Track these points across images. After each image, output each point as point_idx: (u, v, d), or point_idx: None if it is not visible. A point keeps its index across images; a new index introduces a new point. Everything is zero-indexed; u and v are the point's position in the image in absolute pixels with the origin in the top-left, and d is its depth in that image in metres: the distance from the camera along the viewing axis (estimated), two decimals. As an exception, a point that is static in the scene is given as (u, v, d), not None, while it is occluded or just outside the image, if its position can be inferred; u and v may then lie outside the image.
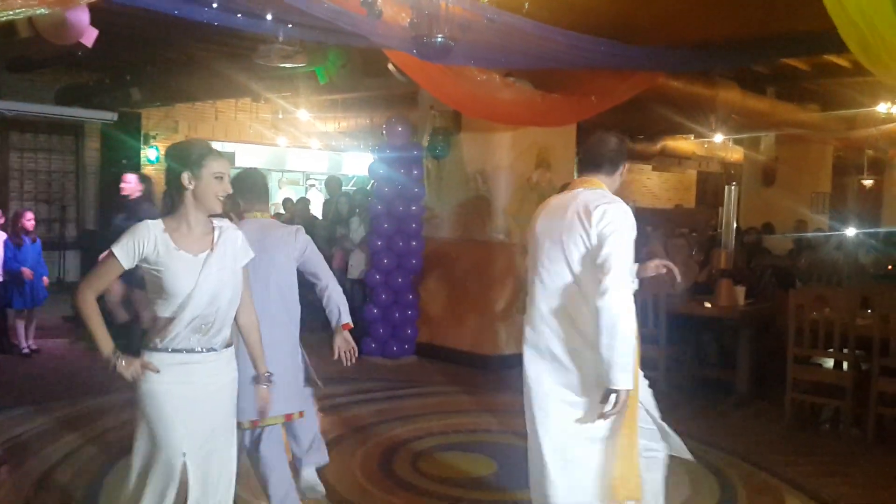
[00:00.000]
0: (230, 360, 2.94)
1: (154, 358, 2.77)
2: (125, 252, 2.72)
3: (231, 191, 2.85)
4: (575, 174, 13.49)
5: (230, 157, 14.66)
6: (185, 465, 2.78)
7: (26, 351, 7.65)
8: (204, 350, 2.82)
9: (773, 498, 4.65)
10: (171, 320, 2.75)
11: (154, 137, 13.32)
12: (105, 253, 2.80)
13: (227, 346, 2.91)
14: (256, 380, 3.10)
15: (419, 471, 4.85)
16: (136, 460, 2.82)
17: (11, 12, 4.65)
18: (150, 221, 2.78)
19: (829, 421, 6.20)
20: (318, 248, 4.13)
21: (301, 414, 3.96)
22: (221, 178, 2.82)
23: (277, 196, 15.86)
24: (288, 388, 3.69)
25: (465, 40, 4.83)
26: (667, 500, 3.46)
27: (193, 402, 2.80)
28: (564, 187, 4.38)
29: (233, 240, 2.90)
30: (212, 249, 2.82)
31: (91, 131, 12.52)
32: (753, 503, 4.56)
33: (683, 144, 16.42)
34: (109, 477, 4.47)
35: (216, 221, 2.89)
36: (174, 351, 2.77)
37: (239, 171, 3.83)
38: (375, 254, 8.02)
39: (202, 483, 2.82)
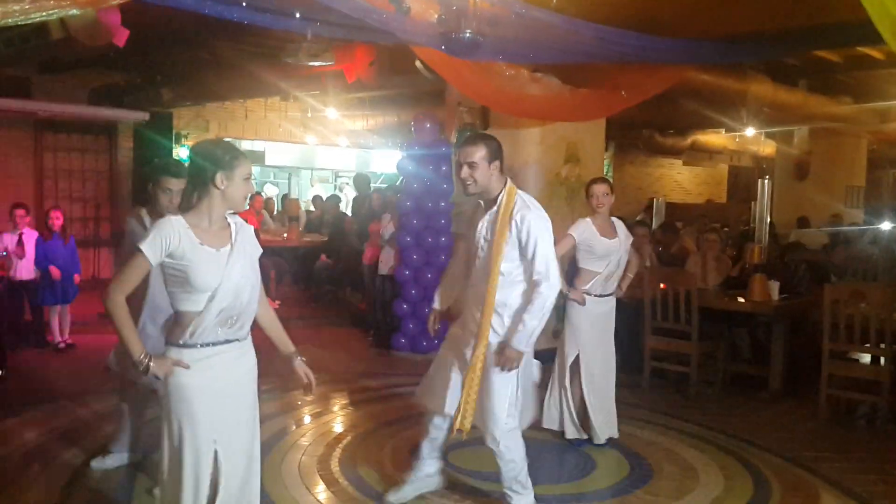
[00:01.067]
0: (249, 347, 3.01)
1: (183, 354, 2.81)
2: (152, 249, 2.73)
3: (253, 191, 2.92)
4: (605, 169, 13.45)
5: (260, 156, 14.81)
6: (216, 453, 2.85)
7: (62, 346, 7.79)
8: (231, 340, 2.89)
9: (807, 494, 4.59)
10: (197, 314, 2.79)
11: (185, 136, 13.46)
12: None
13: (248, 335, 2.99)
14: (289, 360, 3.18)
15: (450, 463, 4.85)
16: (168, 455, 2.86)
17: (44, 13, 4.72)
18: (172, 217, 2.81)
19: (865, 417, 6.10)
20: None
21: None
22: (248, 179, 2.91)
23: (308, 193, 15.99)
24: None
25: (494, 35, 4.83)
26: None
27: (220, 393, 2.87)
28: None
29: (249, 234, 2.98)
30: (232, 244, 2.88)
31: (124, 131, 12.67)
32: (787, 499, 4.50)
33: (714, 138, 16.28)
34: (145, 468, 4.53)
35: (229, 217, 2.95)
36: (202, 346, 2.82)
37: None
38: (404, 250, 8.03)
39: (233, 471, 2.89)
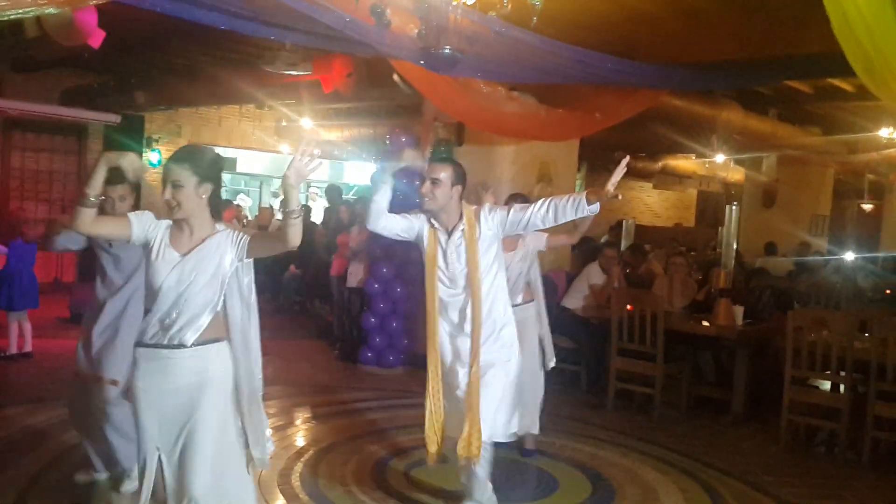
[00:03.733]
0: (206, 357, 2.94)
1: (137, 352, 2.92)
2: (138, 218, 2.90)
3: (175, 201, 2.87)
4: (577, 188, 13.60)
5: (232, 163, 14.67)
6: (160, 459, 2.91)
7: (12, 353, 7.36)
8: (173, 346, 2.88)
9: (767, 519, 4.64)
10: (148, 313, 2.90)
11: (157, 141, 13.35)
12: None
13: (204, 342, 2.92)
14: None
15: (412, 482, 4.83)
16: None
17: (21, 11, 4.66)
18: (163, 220, 2.94)
19: (825, 443, 6.19)
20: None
21: None
22: (165, 184, 2.91)
23: (277, 203, 15.88)
24: None
25: (473, 53, 4.86)
26: None
27: (167, 396, 2.89)
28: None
29: (223, 244, 2.94)
30: (194, 250, 2.90)
31: (94, 133, 12.54)
32: (747, 523, 4.55)
33: (684, 163, 16.47)
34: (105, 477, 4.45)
35: (219, 226, 2.97)
36: (149, 346, 2.89)
37: None
38: (374, 263, 8.01)
39: (178, 480, 2.90)
